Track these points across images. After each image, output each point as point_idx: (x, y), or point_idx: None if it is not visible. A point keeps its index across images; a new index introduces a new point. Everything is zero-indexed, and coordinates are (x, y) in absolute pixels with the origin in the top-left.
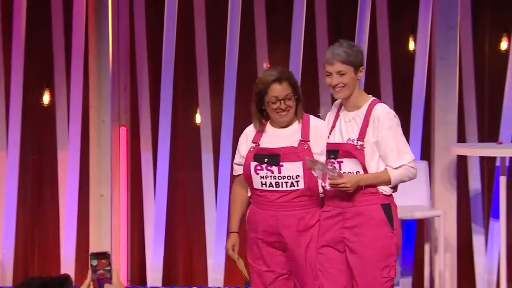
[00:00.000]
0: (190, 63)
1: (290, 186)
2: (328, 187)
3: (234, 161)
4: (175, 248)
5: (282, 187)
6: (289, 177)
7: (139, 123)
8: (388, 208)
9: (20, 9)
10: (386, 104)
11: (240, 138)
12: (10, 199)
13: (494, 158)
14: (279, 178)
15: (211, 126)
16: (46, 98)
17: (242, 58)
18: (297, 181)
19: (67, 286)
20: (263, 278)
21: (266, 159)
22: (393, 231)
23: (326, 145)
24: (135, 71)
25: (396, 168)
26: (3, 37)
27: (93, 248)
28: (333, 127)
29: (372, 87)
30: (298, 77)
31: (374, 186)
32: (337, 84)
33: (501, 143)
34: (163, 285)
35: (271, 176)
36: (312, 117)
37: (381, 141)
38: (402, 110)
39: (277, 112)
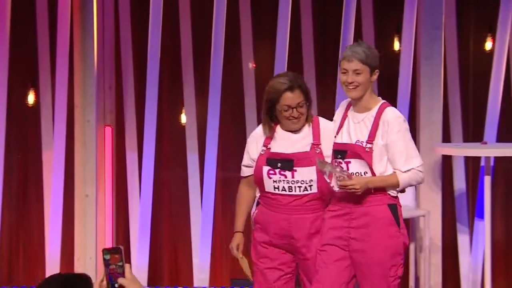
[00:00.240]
0: (175, 62)
1: (304, 190)
2: (336, 189)
3: (243, 163)
4: (161, 248)
5: (295, 191)
6: (302, 182)
7: (124, 123)
8: (395, 208)
9: (4, 8)
10: None
11: (249, 140)
12: None
13: (479, 158)
14: (292, 182)
15: (196, 125)
16: (30, 98)
17: (227, 57)
18: (310, 185)
19: (88, 287)
20: (268, 275)
21: (279, 164)
22: (400, 230)
23: (333, 145)
24: (120, 71)
25: (405, 172)
26: None
27: (78, 248)
28: (340, 127)
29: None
30: None
31: (382, 188)
32: (352, 83)
33: (485, 143)
34: (148, 285)
35: (284, 181)
36: (321, 119)
37: (390, 144)
38: None
39: (289, 120)
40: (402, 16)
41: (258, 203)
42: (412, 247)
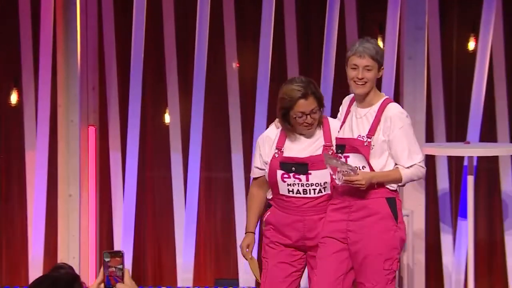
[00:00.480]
0: (159, 62)
1: (318, 192)
2: (339, 183)
3: (254, 164)
4: (144, 248)
5: (310, 194)
6: (317, 184)
7: (108, 123)
8: (393, 202)
9: None
10: None
11: (259, 141)
12: None
13: (462, 158)
14: (307, 185)
15: (180, 125)
16: (13, 97)
17: (211, 57)
18: (324, 187)
19: (76, 287)
20: (280, 270)
21: (294, 168)
22: (397, 224)
23: (336, 140)
24: (103, 71)
25: (408, 168)
26: None
27: (61, 248)
28: (343, 122)
29: (340, 87)
30: (267, 76)
31: (386, 183)
32: (362, 79)
33: (468, 142)
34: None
35: (298, 184)
36: (330, 119)
37: (392, 140)
38: None
39: (304, 126)
40: (386, 16)
41: (269, 205)
42: None
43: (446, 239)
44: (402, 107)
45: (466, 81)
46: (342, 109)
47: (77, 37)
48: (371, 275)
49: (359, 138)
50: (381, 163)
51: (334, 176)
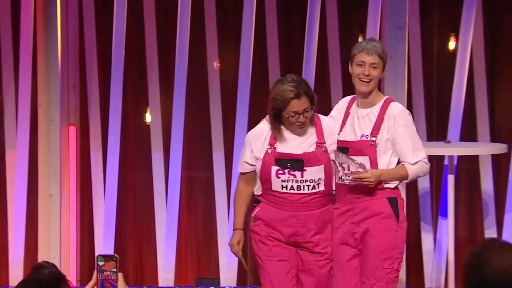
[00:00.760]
0: (140, 61)
1: (312, 188)
2: (347, 181)
3: (244, 160)
4: (125, 247)
5: (303, 190)
6: (311, 181)
7: (89, 122)
8: (394, 201)
9: None
10: (337, 103)
11: (251, 137)
12: None
13: (442, 157)
14: (301, 181)
15: (161, 124)
16: None
17: (192, 56)
18: (318, 184)
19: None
20: (279, 267)
21: (289, 164)
22: (398, 224)
23: (338, 142)
24: (84, 70)
25: (413, 164)
26: None
27: (42, 248)
28: (343, 124)
29: (322, 86)
30: (248, 75)
31: (392, 181)
32: (368, 75)
33: (449, 142)
34: None
35: (293, 180)
36: (322, 117)
37: (396, 138)
38: None
39: (296, 125)
40: (366, 16)
41: (257, 200)
42: None
43: (426, 238)
44: None
45: (446, 81)
46: (338, 111)
47: (58, 36)
48: (371, 274)
49: (362, 138)
50: (385, 161)
51: (341, 174)
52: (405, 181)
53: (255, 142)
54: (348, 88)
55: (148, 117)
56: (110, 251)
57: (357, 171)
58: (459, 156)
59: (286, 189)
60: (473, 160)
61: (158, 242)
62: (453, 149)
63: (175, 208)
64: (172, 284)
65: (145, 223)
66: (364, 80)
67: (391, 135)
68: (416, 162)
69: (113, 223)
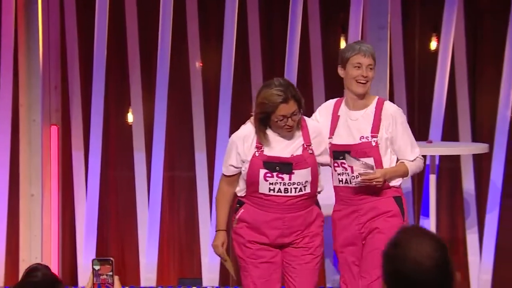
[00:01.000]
0: (122, 61)
1: (299, 191)
2: (354, 183)
3: (230, 163)
4: (107, 247)
5: (290, 192)
6: (298, 183)
7: (70, 122)
8: (400, 200)
9: None
10: (319, 104)
11: (236, 140)
12: None
13: (424, 157)
14: (289, 184)
15: (143, 124)
16: None
17: (174, 56)
18: (305, 186)
19: None
20: (261, 269)
21: (278, 167)
22: (404, 221)
23: (332, 146)
24: (66, 70)
25: (412, 161)
26: None
27: (23, 248)
28: (334, 127)
29: (304, 87)
30: (230, 75)
31: (395, 179)
32: (366, 77)
33: (431, 141)
34: None
35: (280, 183)
36: (307, 119)
37: (396, 136)
38: None
39: (284, 128)
40: (348, 16)
41: (241, 202)
42: None
43: None
44: None
45: (428, 81)
46: (323, 115)
47: (39, 35)
48: (372, 269)
49: (363, 140)
50: (387, 160)
51: (345, 177)
52: (405, 178)
53: (242, 144)
54: (330, 89)
55: (130, 117)
56: (92, 251)
57: (366, 172)
58: (440, 156)
59: (274, 192)
60: (454, 160)
61: (140, 242)
62: (434, 149)
63: (157, 208)
64: (154, 284)
65: (127, 223)
66: (361, 81)
67: (390, 134)
68: (414, 159)
69: (95, 223)
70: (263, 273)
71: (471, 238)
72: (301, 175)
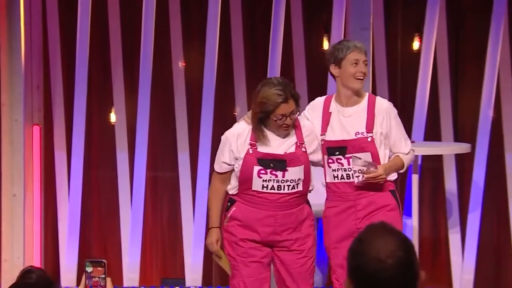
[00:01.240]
0: (104, 61)
1: (291, 188)
2: (356, 181)
3: (223, 160)
4: (90, 247)
5: (283, 189)
6: (291, 181)
7: (53, 122)
8: (395, 193)
9: None
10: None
11: (229, 137)
12: None
13: None
14: (282, 181)
15: (126, 124)
16: None
17: (157, 56)
18: (297, 184)
19: None
20: (253, 268)
21: (272, 164)
22: (400, 214)
23: (325, 143)
24: (48, 69)
25: (406, 154)
26: None
27: (5, 249)
28: (326, 124)
29: None
30: (213, 75)
31: (393, 173)
32: (364, 73)
33: (413, 141)
34: (77, 285)
35: (274, 180)
36: (300, 118)
37: (391, 130)
38: None
39: (282, 127)
40: (331, 17)
41: (233, 200)
42: None
43: None
44: None
45: (410, 81)
46: (314, 112)
47: (21, 35)
48: None
49: (358, 136)
50: (383, 155)
51: (340, 173)
52: (401, 171)
53: (235, 142)
54: (313, 89)
55: (112, 117)
56: (75, 252)
57: (369, 170)
58: (423, 156)
59: (267, 189)
60: (437, 160)
61: (123, 242)
62: (417, 148)
63: (140, 208)
64: (137, 284)
65: (110, 224)
66: (359, 77)
67: (385, 128)
68: (408, 152)
69: (77, 223)
70: (253, 272)
71: (454, 237)
72: (294, 173)
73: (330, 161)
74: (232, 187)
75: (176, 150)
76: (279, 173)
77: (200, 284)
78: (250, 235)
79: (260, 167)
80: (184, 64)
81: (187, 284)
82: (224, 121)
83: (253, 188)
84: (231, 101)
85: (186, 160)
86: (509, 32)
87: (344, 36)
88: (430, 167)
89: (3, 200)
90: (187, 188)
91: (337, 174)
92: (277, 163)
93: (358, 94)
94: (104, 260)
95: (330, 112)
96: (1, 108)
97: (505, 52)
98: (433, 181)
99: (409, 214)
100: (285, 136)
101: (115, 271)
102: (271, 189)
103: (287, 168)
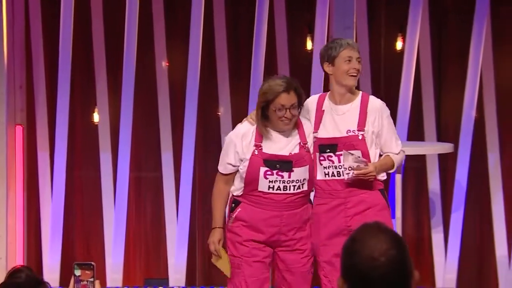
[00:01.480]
0: (87, 61)
1: (297, 189)
2: (346, 178)
3: (227, 161)
4: (73, 248)
5: (289, 190)
6: (297, 181)
7: (36, 122)
8: (384, 192)
9: None
10: None
11: (234, 138)
12: None
13: None
14: (288, 182)
15: (109, 124)
16: None
17: (140, 56)
18: (303, 184)
19: None
20: (256, 268)
21: (278, 165)
22: (389, 213)
23: (317, 140)
24: (31, 69)
25: (397, 154)
26: None
27: None
28: (318, 122)
29: None
30: (197, 75)
31: (383, 172)
32: (358, 70)
33: None
34: (60, 285)
35: (280, 181)
36: (302, 119)
37: (382, 129)
38: None
39: (282, 121)
40: (314, 16)
41: (237, 201)
42: None
43: None
44: None
45: (393, 81)
46: (306, 110)
47: (3, 34)
48: None
49: (349, 134)
50: (373, 153)
51: (331, 170)
52: (390, 171)
53: (240, 143)
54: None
55: (96, 117)
56: (58, 252)
57: (359, 166)
58: (406, 156)
59: (273, 190)
60: (420, 160)
61: (106, 242)
62: None
63: (123, 208)
64: (120, 285)
65: (93, 224)
66: (353, 74)
67: (376, 127)
68: (399, 152)
69: (60, 224)
70: (255, 272)
71: (437, 237)
72: (300, 173)
73: (322, 158)
74: (237, 188)
75: (160, 150)
76: (285, 174)
77: (183, 284)
78: (254, 236)
79: (267, 168)
80: (167, 64)
81: (170, 284)
82: (207, 121)
83: (259, 189)
84: (214, 101)
85: (169, 160)
86: (492, 32)
87: (327, 36)
88: (413, 167)
89: None
90: (170, 188)
91: (328, 172)
92: (283, 164)
93: (351, 92)
94: (92, 263)
95: (323, 110)
96: None
97: (488, 52)
98: (416, 181)
99: (392, 214)
100: (289, 136)
101: (98, 272)
102: (277, 189)
103: (293, 168)
